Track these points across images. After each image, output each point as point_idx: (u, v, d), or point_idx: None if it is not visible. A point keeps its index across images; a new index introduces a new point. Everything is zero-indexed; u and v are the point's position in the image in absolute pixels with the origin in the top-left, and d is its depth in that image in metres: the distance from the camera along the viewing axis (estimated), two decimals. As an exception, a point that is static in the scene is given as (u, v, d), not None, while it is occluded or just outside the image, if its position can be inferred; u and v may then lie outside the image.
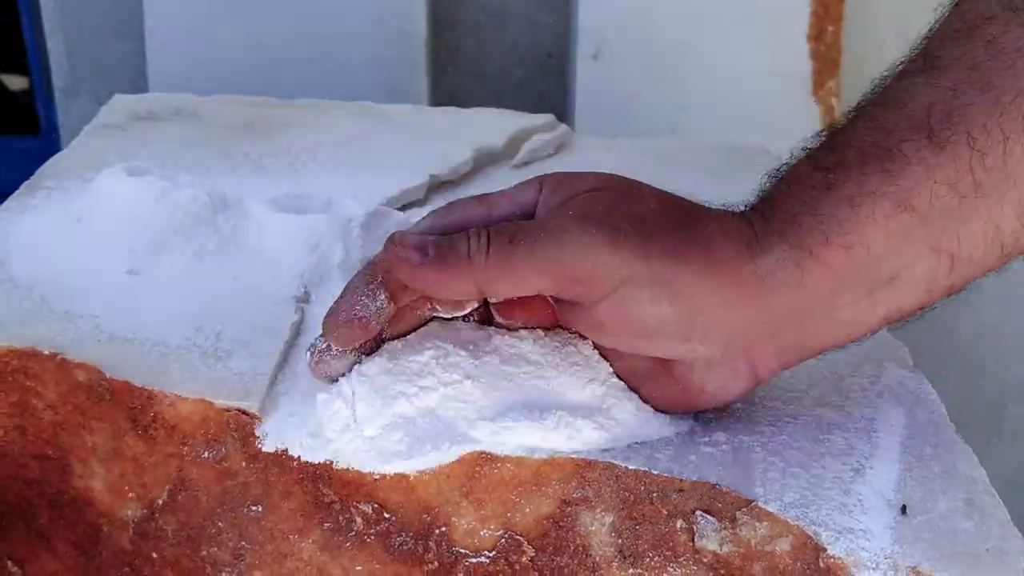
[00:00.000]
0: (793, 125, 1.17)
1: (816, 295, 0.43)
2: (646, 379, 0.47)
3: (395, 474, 0.47)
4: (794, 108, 1.20)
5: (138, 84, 1.38)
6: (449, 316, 0.48)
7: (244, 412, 0.49)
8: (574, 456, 0.47)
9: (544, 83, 1.42)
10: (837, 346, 0.46)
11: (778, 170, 0.46)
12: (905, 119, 0.41)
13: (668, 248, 0.42)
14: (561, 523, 0.48)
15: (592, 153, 0.84)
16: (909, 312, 0.44)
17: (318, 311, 0.56)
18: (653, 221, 0.43)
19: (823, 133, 0.45)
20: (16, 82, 1.79)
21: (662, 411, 0.48)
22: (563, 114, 1.28)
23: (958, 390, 1.40)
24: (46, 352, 0.52)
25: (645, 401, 0.48)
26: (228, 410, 0.49)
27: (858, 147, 0.42)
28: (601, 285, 0.42)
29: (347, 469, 0.48)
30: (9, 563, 0.58)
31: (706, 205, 0.47)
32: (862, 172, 0.41)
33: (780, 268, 0.42)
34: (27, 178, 0.70)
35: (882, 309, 0.43)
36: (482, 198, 0.47)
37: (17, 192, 0.68)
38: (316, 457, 0.48)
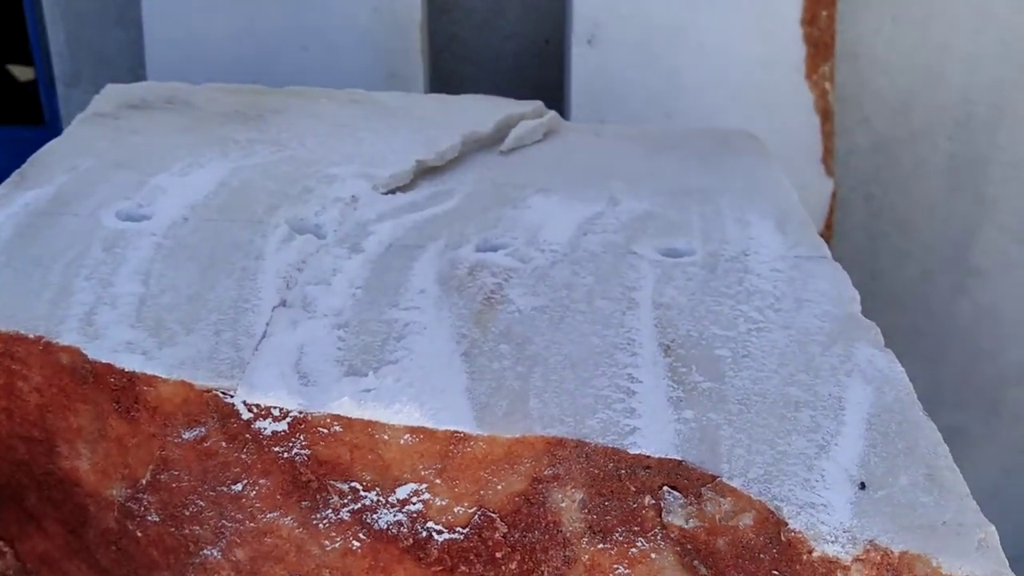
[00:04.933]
0: (786, 109, 1.17)
1: None
2: None
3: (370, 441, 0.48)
4: (788, 92, 1.20)
5: (137, 73, 1.39)
6: None
7: (223, 392, 0.50)
8: (545, 435, 0.47)
9: (541, 68, 1.42)
10: None
11: None
12: None
13: None
14: (532, 500, 0.48)
15: (580, 139, 0.85)
16: None
17: (299, 292, 0.58)
18: None
19: None
20: (24, 73, 1.80)
21: None
22: (560, 99, 1.29)
23: (958, 374, 1.40)
24: (31, 336, 0.53)
25: None
26: (208, 391, 0.50)
27: None
28: None
29: (325, 439, 0.49)
30: (0, 543, 0.59)
31: None
32: None
33: None
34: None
35: None
36: None
37: (8, 180, 0.69)
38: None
